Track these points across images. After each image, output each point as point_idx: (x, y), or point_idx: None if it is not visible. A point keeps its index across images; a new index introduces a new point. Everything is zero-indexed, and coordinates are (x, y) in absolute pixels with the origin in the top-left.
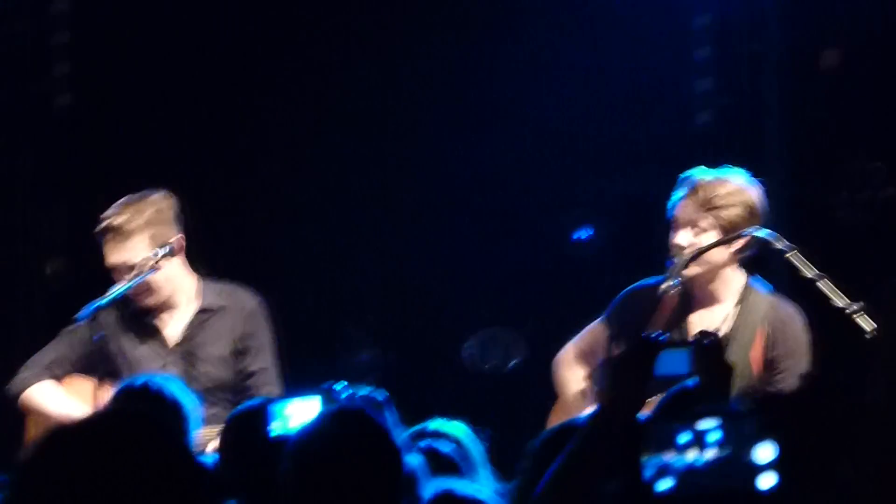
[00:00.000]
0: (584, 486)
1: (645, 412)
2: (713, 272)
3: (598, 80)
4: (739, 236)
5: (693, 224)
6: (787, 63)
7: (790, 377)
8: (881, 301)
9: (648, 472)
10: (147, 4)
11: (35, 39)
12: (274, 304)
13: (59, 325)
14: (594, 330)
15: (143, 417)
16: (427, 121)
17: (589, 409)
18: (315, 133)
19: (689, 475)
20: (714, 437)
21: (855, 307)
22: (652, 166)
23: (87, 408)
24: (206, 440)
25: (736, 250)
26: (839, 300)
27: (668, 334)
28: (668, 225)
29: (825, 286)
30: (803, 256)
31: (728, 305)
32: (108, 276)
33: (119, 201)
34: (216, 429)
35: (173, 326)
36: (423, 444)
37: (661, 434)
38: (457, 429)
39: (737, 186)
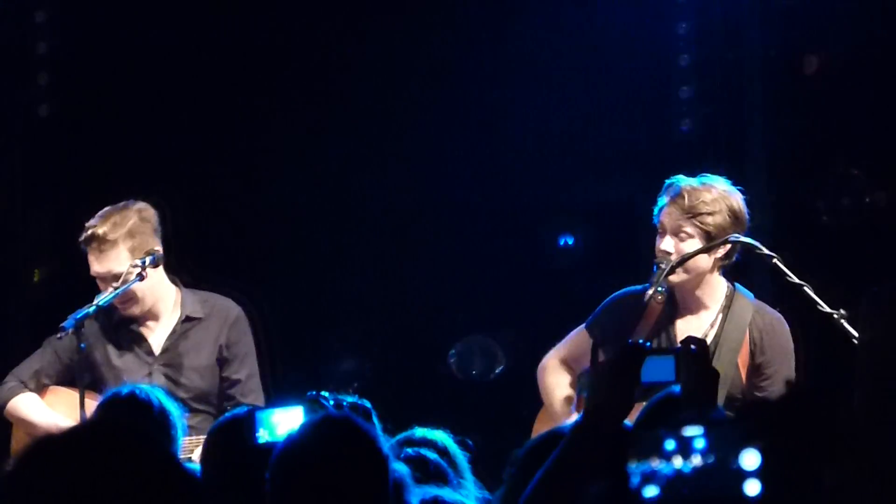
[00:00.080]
0: (570, 493)
1: (630, 419)
2: (698, 278)
3: (581, 88)
4: (724, 242)
5: (678, 230)
6: (768, 69)
7: (776, 383)
8: (864, 307)
9: (634, 480)
10: (131, 13)
11: (20, 48)
12: (255, 312)
13: (43, 334)
14: (579, 336)
15: (129, 427)
16: (411, 130)
17: (574, 416)
18: (296, 146)
19: (675, 482)
20: (699, 443)
21: (835, 315)
22: (635, 173)
23: (72, 417)
24: (191, 448)
25: (720, 256)
26: (822, 306)
27: (653, 341)
28: (652, 231)
29: (808, 292)
30: (784, 263)
31: (713, 311)
32: (91, 284)
33: (101, 211)
34: (200, 437)
35: (157, 336)
36: (410, 451)
37: (646, 441)
38: (442, 437)
39: (721, 193)
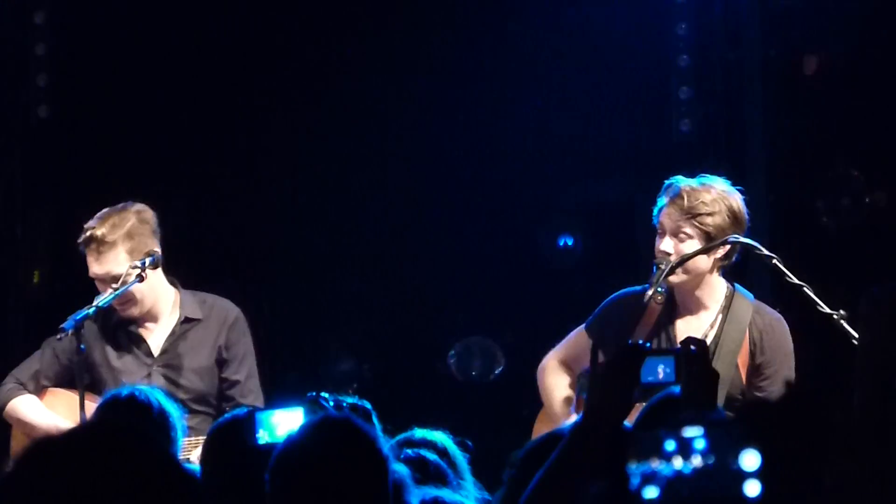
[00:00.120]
0: (570, 494)
1: (630, 419)
2: (698, 279)
3: (581, 88)
4: (724, 243)
5: (677, 231)
6: (768, 69)
7: (776, 383)
8: (864, 308)
9: (634, 481)
10: (130, 14)
11: (19, 49)
12: (254, 314)
13: (42, 335)
14: (578, 337)
15: (129, 428)
16: (410, 131)
17: (574, 417)
18: (296, 146)
19: (674, 483)
20: (699, 444)
21: (835, 315)
22: (635, 173)
23: (72, 419)
24: (190, 449)
25: (719, 257)
26: (821, 307)
27: (653, 341)
28: (651, 232)
29: (807, 293)
30: (783, 264)
31: (713, 312)
32: (91, 286)
33: (100, 213)
34: (200, 438)
35: (156, 337)
36: (410, 452)
37: (646, 442)
38: (442, 438)
39: (720, 193)
